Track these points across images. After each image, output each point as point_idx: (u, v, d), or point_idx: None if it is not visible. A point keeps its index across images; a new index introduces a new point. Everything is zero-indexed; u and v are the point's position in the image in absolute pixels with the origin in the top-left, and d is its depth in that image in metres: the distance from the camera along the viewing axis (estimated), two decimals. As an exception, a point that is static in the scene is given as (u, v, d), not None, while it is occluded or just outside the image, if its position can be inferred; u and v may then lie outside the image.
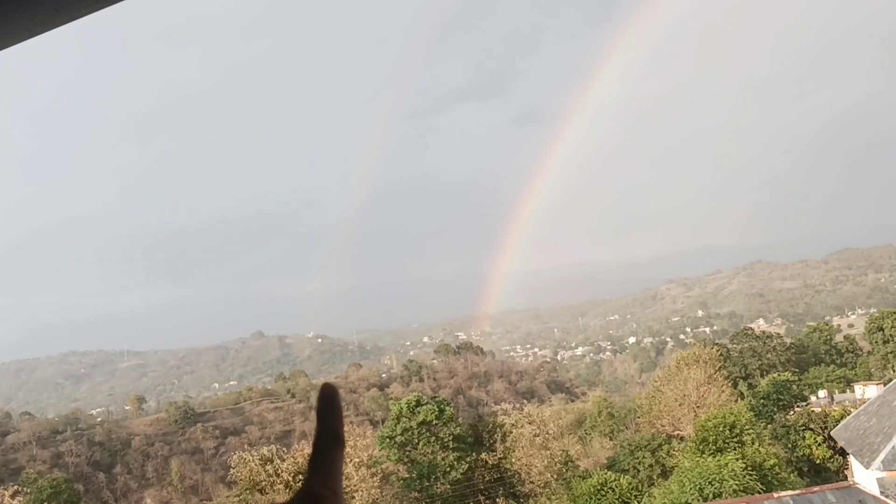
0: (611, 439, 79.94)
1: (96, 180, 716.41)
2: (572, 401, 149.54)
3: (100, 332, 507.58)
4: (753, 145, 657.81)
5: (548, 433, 64.70)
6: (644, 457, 57.02)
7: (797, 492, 21.96)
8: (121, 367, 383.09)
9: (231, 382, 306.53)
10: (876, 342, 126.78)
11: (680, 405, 60.89)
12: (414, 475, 59.79)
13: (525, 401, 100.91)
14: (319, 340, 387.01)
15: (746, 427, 44.00)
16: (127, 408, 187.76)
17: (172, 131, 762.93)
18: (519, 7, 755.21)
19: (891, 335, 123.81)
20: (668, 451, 53.32)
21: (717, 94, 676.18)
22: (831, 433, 45.49)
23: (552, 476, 59.69)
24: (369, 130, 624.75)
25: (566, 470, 60.29)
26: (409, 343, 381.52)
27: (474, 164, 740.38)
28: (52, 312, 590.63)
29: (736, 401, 62.40)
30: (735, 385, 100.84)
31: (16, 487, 61.07)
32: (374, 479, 61.51)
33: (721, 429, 42.79)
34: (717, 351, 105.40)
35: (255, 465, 54.29)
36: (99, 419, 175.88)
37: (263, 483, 52.55)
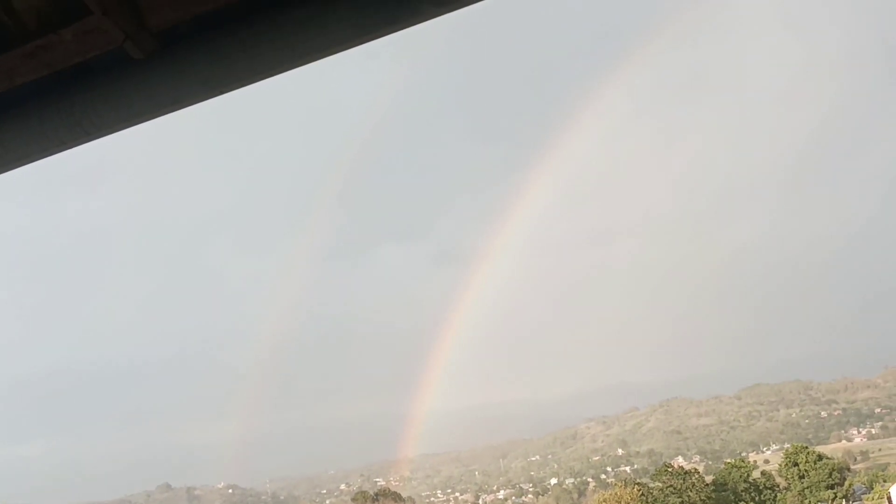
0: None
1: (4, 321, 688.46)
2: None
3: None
4: (662, 282, 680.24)
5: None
6: None
7: None
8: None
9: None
10: (792, 478, 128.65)
11: (605, 549, 59.82)
12: None
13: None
14: (230, 491, 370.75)
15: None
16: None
17: (71, 268, 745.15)
18: (438, 152, 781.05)
19: (805, 470, 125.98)
20: None
21: (626, 231, 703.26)
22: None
23: None
24: (287, 269, 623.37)
25: None
26: (325, 491, 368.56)
27: (394, 302, 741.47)
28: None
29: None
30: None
31: None
32: None
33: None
34: (639, 491, 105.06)
35: None
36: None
37: None
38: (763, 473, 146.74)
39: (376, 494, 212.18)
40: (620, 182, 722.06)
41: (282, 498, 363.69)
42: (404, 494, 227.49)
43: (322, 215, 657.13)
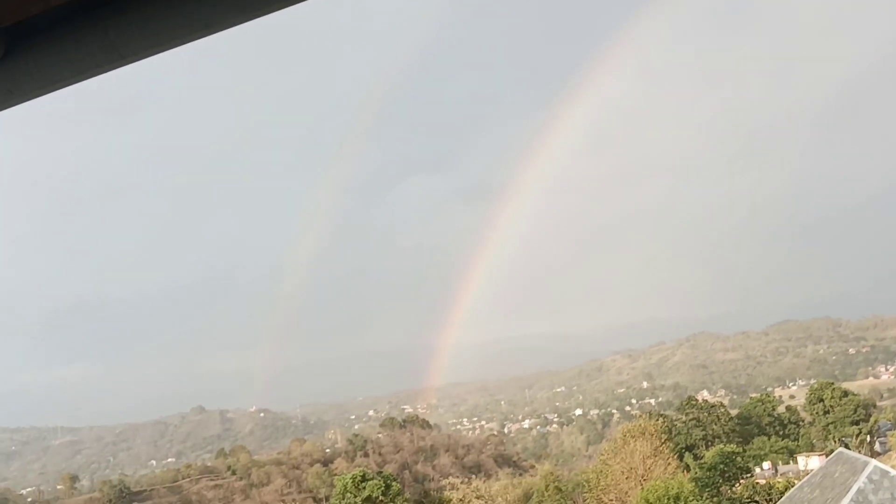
0: (559, 514, 79.27)
1: (32, 251, 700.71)
2: (520, 475, 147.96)
3: (32, 408, 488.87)
4: (692, 222, 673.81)
5: (496, 508, 63.90)
6: (592, 531, 56.56)
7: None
8: (54, 444, 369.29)
9: (169, 459, 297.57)
10: (816, 413, 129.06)
11: (627, 478, 60.72)
12: (359, 554, 58.37)
13: (472, 475, 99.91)
14: (262, 415, 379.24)
15: (690, 499, 44.01)
16: (59, 487, 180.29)
17: (114, 201, 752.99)
18: (469, 84, 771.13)
19: (830, 406, 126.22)
20: (616, 526, 53.01)
21: (656, 172, 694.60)
22: (776, 505, 45.78)
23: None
24: (317, 201, 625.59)
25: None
26: (353, 417, 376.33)
27: (422, 235, 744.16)
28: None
29: (682, 473, 62.48)
30: (681, 457, 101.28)
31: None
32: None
33: (665, 500, 42.73)
34: (663, 422, 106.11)
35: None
36: (29, 499, 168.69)
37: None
38: (788, 408, 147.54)
39: (404, 421, 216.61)
40: (652, 121, 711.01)
41: (311, 423, 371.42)
42: (431, 422, 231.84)
43: (354, 147, 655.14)
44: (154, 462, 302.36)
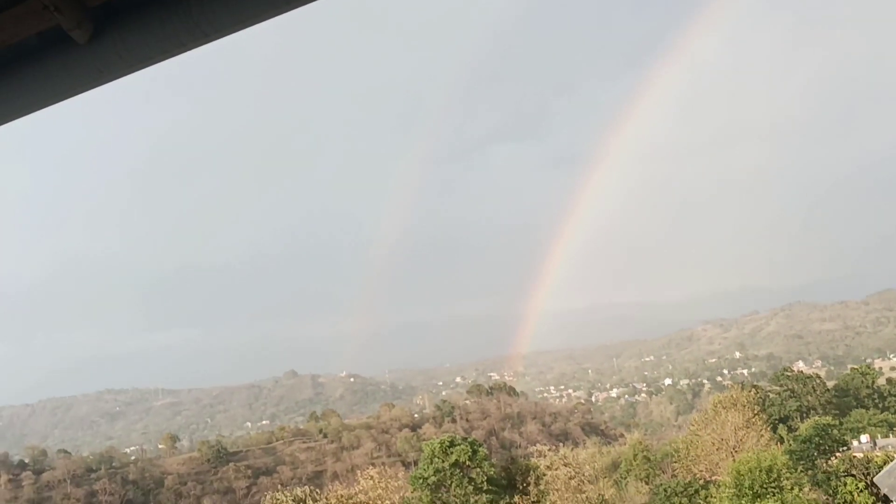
0: (646, 483, 78.53)
1: (137, 219, 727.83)
2: (608, 443, 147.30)
3: (135, 371, 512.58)
4: (789, 187, 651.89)
5: (583, 476, 63.72)
6: (681, 502, 55.90)
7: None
8: (155, 405, 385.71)
9: (263, 422, 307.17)
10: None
11: (718, 449, 59.72)
12: (447, 518, 59.15)
13: (559, 443, 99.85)
14: (352, 380, 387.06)
15: (784, 472, 43.00)
16: (160, 446, 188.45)
17: (212, 171, 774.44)
18: (556, 50, 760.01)
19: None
20: (706, 497, 52.17)
21: (751, 138, 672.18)
22: (874, 479, 44.37)
23: (587, 520, 58.74)
24: (406, 169, 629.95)
25: (601, 514, 59.28)
26: (441, 383, 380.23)
27: (510, 204, 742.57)
28: (89, 350, 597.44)
29: (776, 445, 61.10)
30: (774, 429, 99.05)
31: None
32: (407, 520, 61.00)
33: (757, 473, 41.86)
34: (756, 394, 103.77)
35: (288, 505, 54.10)
36: (133, 457, 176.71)
37: (296, 524, 52.29)
38: (889, 381, 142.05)
39: (491, 388, 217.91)
40: (746, 84, 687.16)
41: (400, 388, 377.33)
42: (518, 389, 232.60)
43: (444, 116, 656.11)
44: (249, 424, 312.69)
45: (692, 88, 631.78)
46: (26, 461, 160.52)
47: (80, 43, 3.60)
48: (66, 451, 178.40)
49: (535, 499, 62.52)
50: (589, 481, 64.41)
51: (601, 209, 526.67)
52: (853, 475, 56.68)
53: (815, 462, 63.91)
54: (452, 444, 62.75)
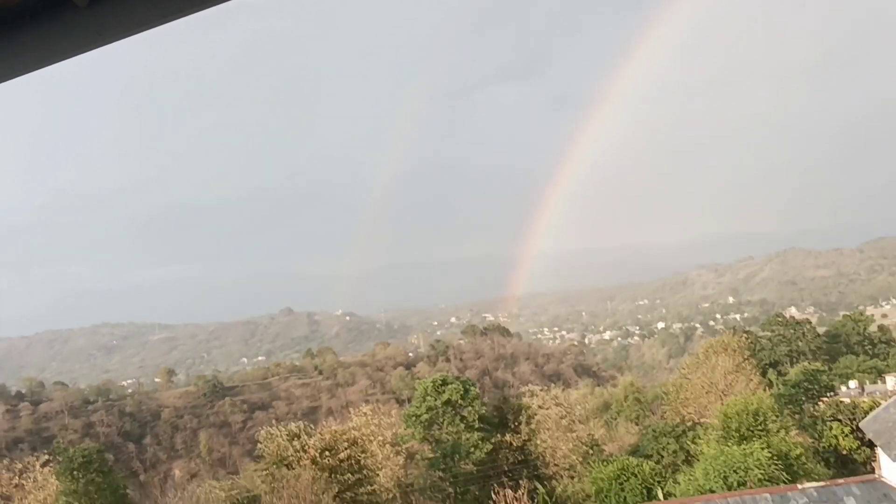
0: (636, 424, 79.78)
1: (133, 154, 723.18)
2: (599, 385, 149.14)
3: (132, 305, 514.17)
4: (790, 133, 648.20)
5: (573, 416, 64.60)
6: (668, 443, 56.76)
7: (822, 483, 21.77)
8: (151, 339, 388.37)
9: (259, 358, 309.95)
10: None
11: (707, 393, 60.51)
12: (438, 454, 60.06)
13: (551, 384, 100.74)
14: (347, 318, 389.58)
15: (771, 415, 43.66)
16: (157, 380, 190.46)
17: (209, 107, 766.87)
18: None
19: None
20: (693, 439, 53.02)
21: (756, 80, 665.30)
22: (860, 424, 44.99)
23: (577, 459, 59.68)
24: (405, 108, 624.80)
25: (591, 453, 60.21)
26: (436, 323, 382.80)
27: (509, 144, 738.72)
28: (86, 283, 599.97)
29: (764, 389, 61.87)
30: (764, 373, 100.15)
31: (47, 456, 62.07)
32: (399, 457, 61.94)
33: (744, 416, 42.50)
34: (747, 338, 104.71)
35: (283, 440, 54.78)
36: (130, 390, 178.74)
37: (290, 458, 53.01)
38: (880, 328, 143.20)
39: (485, 328, 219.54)
40: (753, 25, 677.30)
41: (395, 327, 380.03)
42: (512, 330, 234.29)
43: (442, 56, 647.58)
44: (245, 360, 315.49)
45: (695, 30, 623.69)
46: (23, 392, 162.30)
47: (80, 6, 3.56)
48: (62, 383, 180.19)
49: (526, 437, 63.44)
50: (580, 421, 65.25)
51: (600, 151, 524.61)
52: (839, 420, 57.56)
53: (803, 406, 64.87)
54: (445, 382, 63.46)
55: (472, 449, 59.91)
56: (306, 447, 53.82)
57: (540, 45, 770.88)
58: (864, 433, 43.71)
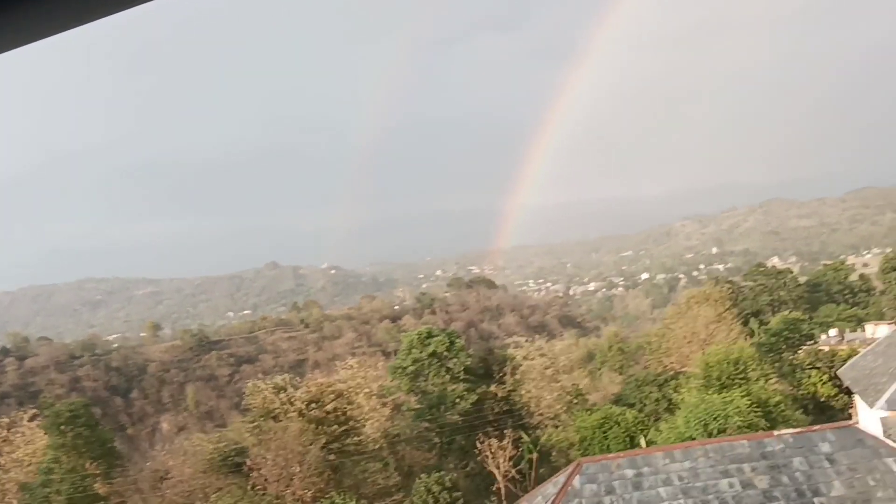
0: (620, 374, 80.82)
1: (114, 109, 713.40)
2: (584, 336, 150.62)
3: (116, 260, 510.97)
4: (775, 83, 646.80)
5: (558, 367, 65.33)
6: (651, 392, 57.64)
7: (797, 430, 22.22)
8: (137, 294, 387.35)
9: (245, 311, 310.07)
10: (890, 282, 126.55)
11: (689, 342, 61.29)
12: (424, 405, 60.75)
13: (536, 335, 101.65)
14: (333, 272, 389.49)
15: (751, 364, 44.38)
16: (143, 334, 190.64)
17: (190, 60, 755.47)
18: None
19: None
20: (676, 387, 53.81)
21: (741, 28, 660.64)
22: (837, 372, 45.75)
23: (561, 408, 60.51)
24: (386, 59, 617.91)
25: (575, 403, 61.05)
26: (422, 276, 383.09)
27: (493, 95, 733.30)
28: (70, 240, 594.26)
29: (745, 339, 62.72)
30: (746, 322, 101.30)
31: (34, 410, 62.33)
32: (385, 408, 62.61)
33: (725, 365, 43.18)
34: (729, 288, 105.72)
35: (269, 393, 55.22)
36: (115, 345, 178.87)
37: (277, 411, 53.51)
38: (861, 276, 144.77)
39: (470, 281, 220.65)
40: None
41: (381, 281, 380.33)
42: (497, 283, 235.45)
43: (422, 3, 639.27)
44: (231, 314, 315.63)
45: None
46: (9, 347, 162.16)
47: None
48: (47, 339, 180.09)
49: (511, 388, 64.22)
50: (564, 371, 66.02)
51: (588, 101, 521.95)
52: (818, 368, 58.50)
53: (782, 355, 65.80)
54: (430, 335, 63.98)
55: (458, 400, 60.64)
56: (293, 400, 54.30)
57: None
58: (841, 381, 44.49)
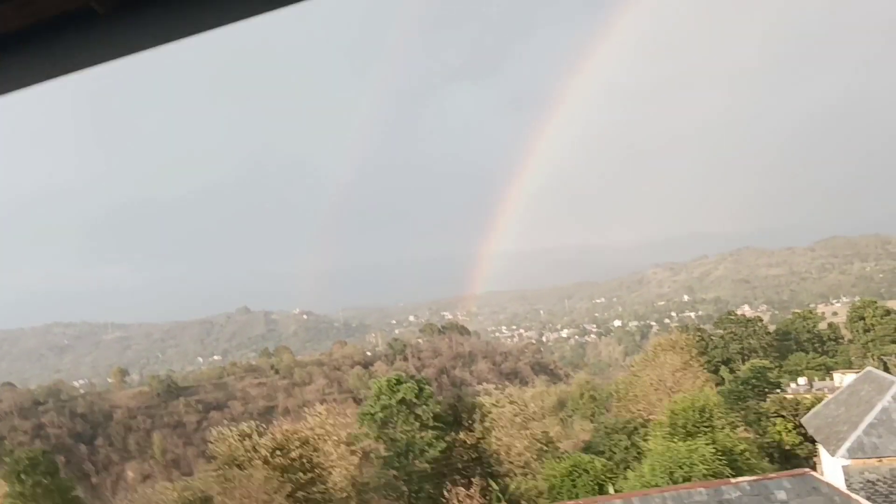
0: (591, 422, 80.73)
1: (82, 151, 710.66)
2: (555, 383, 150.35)
3: (84, 304, 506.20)
4: (744, 134, 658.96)
5: (528, 414, 65.18)
6: (620, 440, 57.60)
7: (754, 478, 22.37)
8: (105, 339, 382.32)
9: (215, 357, 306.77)
10: (857, 331, 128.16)
11: (656, 390, 61.49)
12: (392, 453, 60.21)
13: (508, 382, 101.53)
14: (305, 317, 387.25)
15: (716, 412, 44.61)
16: (110, 380, 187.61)
17: (162, 103, 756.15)
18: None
19: (871, 324, 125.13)
20: (644, 435, 53.86)
21: (709, 82, 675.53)
22: (801, 420, 46.16)
23: (532, 456, 60.24)
24: (361, 106, 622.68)
25: (546, 450, 60.83)
26: (394, 321, 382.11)
27: (466, 143, 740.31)
28: (37, 283, 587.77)
29: (712, 386, 63.10)
30: (717, 370, 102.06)
31: (-5, 458, 61.14)
32: (354, 456, 61.93)
33: (691, 413, 43.35)
34: (699, 336, 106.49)
35: (234, 440, 54.53)
36: (81, 391, 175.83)
37: (241, 458, 52.78)
38: (829, 325, 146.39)
39: (443, 327, 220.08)
40: (703, 29, 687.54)
41: (353, 326, 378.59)
42: (470, 329, 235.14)
43: (399, 55, 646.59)
44: (201, 359, 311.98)
45: (650, 34, 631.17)
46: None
47: (101, 13, 3.66)
48: (11, 384, 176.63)
49: (480, 435, 63.84)
50: (534, 419, 65.85)
51: (556, 151, 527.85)
52: (783, 416, 58.91)
53: (748, 403, 66.24)
54: (399, 381, 63.60)
55: (426, 447, 60.14)
56: (257, 447, 53.64)
57: (496, 45, 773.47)
58: (805, 429, 44.90)
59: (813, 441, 44.62)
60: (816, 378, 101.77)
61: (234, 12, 3.65)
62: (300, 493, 52.47)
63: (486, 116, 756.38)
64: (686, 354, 64.26)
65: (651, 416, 58.49)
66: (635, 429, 57.46)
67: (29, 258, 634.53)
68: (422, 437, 60.80)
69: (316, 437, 58.64)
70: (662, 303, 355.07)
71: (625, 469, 49.27)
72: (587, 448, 61.32)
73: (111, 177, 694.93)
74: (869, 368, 45.61)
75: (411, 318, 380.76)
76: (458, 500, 50.39)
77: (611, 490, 43.48)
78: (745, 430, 52.96)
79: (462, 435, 64.17)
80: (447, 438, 62.34)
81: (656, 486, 36.43)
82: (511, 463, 61.35)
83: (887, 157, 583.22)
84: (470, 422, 65.22)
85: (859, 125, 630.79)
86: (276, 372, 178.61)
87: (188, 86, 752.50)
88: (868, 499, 27.25)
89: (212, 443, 56.71)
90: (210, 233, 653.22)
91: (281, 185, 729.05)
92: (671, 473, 36.75)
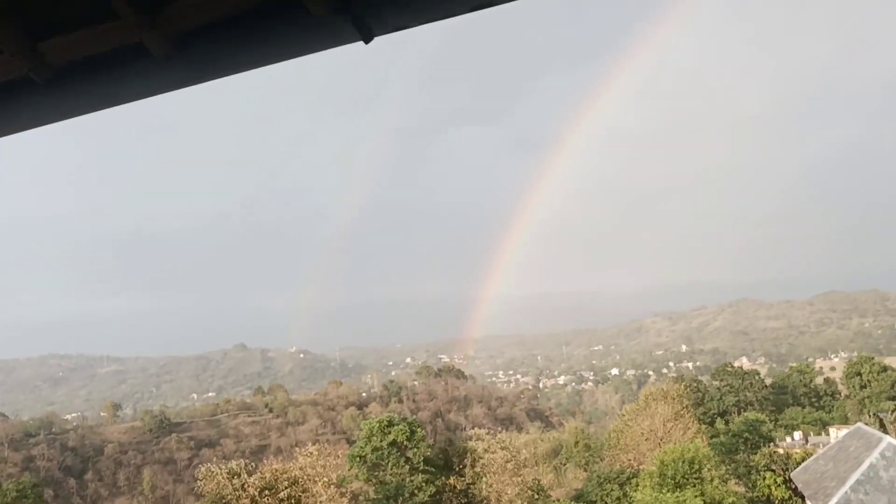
0: (585, 470, 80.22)
1: (83, 180, 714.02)
2: (549, 430, 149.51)
3: (81, 336, 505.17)
4: (745, 182, 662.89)
5: (520, 461, 64.77)
6: (612, 489, 57.28)
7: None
8: (100, 372, 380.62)
9: (210, 394, 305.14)
10: (853, 387, 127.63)
11: (646, 440, 61.33)
12: (382, 496, 59.79)
13: (503, 427, 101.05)
14: (302, 356, 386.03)
15: (706, 463, 44.49)
16: (102, 414, 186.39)
17: (164, 135, 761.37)
18: (521, 34, 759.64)
19: (868, 380, 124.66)
20: (636, 485, 53.60)
21: (712, 129, 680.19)
22: (791, 475, 45.99)
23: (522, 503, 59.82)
24: (366, 147, 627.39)
25: (537, 498, 60.40)
26: (391, 363, 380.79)
27: (469, 186, 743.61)
28: (34, 313, 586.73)
29: (702, 438, 62.88)
30: (713, 422, 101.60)
31: (-19, 490, 60.74)
32: (343, 498, 61.47)
33: (680, 464, 43.23)
34: (695, 387, 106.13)
35: (223, 478, 54.21)
36: (74, 424, 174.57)
37: (229, 497, 52.45)
38: (826, 380, 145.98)
39: (439, 370, 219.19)
40: (708, 78, 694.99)
41: (350, 366, 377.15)
42: (467, 372, 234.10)
43: (405, 98, 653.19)
44: (195, 395, 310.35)
45: (653, 82, 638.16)
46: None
47: (156, 56, 3.95)
48: (3, 415, 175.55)
49: (471, 480, 63.42)
50: (526, 465, 65.45)
51: (561, 195, 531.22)
52: (773, 470, 58.59)
53: (739, 456, 65.90)
54: (391, 423, 63.41)
55: (416, 491, 59.74)
56: (246, 486, 53.33)
57: (500, 91, 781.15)
58: (794, 483, 44.72)
59: (802, 496, 44.42)
60: (812, 433, 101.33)
61: (237, 65, 3.98)
62: (287, 534, 52.09)
63: (488, 160, 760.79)
64: (678, 405, 64.19)
65: (641, 466, 58.28)
66: (628, 478, 57.20)
67: (26, 287, 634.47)
68: (412, 481, 60.43)
69: (306, 477, 58.27)
70: (660, 352, 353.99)
71: (615, 519, 49.02)
72: (578, 497, 60.95)
73: (111, 207, 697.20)
74: (859, 424, 45.57)
75: (408, 359, 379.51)
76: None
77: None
78: (736, 482, 52.70)
79: (452, 480, 63.76)
80: (437, 483, 61.94)
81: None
82: (501, 510, 60.88)
83: (888, 212, 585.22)
84: (461, 466, 64.85)
85: (861, 179, 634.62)
86: (270, 410, 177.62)
87: (194, 117, 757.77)
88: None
89: (199, 480, 56.38)
90: (209, 267, 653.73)
91: (281, 220, 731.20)
92: (659, 525, 36.62)
